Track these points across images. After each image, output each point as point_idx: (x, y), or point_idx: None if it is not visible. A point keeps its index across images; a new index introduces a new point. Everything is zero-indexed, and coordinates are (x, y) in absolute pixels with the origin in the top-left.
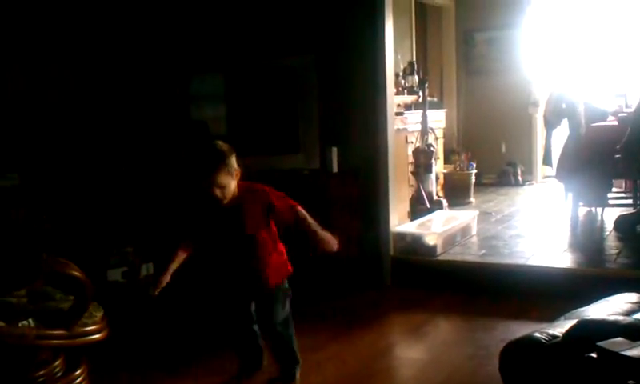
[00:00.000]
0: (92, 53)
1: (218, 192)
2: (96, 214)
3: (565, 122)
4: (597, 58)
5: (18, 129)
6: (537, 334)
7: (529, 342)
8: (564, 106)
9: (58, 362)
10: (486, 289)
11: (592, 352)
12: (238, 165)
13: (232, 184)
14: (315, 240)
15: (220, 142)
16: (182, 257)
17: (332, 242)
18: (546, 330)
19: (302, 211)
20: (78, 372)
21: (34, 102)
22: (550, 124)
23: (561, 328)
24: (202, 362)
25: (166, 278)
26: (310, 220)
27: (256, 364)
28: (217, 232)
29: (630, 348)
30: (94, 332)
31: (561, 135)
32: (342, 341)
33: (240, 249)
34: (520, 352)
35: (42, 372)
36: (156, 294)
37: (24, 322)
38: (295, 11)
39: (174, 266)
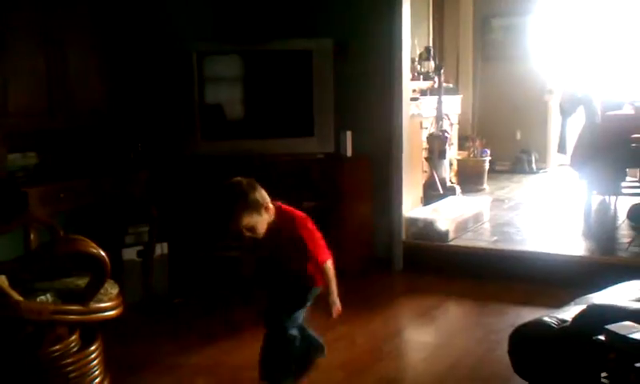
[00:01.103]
0: (107, 31)
1: (247, 233)
2: (112, 193)
3: (580, 110)
4: (614, 47)
5: (35, 108)
6: (546, 318)
7: (538, 325)
8: (580, 94)
9: (73, 338)
10: (498, 274)
11: (600, 335)
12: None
13: (261, 220)
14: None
15: (238, 180)
16: None
17: (335, 311)
18: (556, 315)
19: (329, 270)
20: (92, 347)
21: (52, 80)
22: (566, 112)
23: (570, 312)
24: (213, 341)
25: None
26: (331, 281)
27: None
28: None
29: (638, 331)
30: (109, 308)
31: (576, 123)
32: (353, 323)
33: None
34: (529, 335)
35: (57, 347)
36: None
37: (42, 298)
38: None
39: None
